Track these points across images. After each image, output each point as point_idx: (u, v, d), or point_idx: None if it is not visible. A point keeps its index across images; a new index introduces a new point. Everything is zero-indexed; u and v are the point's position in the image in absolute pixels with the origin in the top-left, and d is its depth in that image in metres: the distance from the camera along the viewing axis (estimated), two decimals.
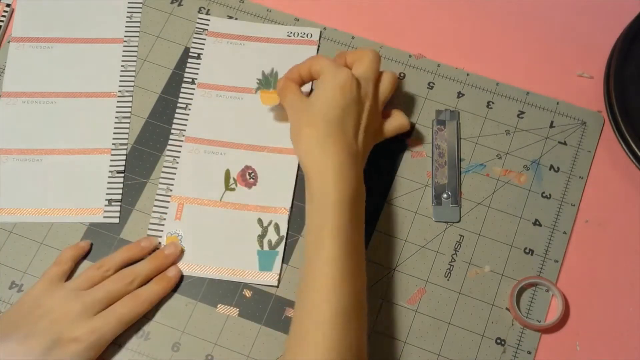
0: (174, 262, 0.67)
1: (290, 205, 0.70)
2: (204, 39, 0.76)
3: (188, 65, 0.75)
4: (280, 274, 0.67)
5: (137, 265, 0.66)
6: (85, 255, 0.68)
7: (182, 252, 0.68)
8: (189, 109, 0.74)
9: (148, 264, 0.66)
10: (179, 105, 0.74)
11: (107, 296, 0.63)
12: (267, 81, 0.73)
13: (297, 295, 0.61)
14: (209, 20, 0.77)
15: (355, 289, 0.59)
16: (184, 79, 0.75)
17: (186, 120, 0.73)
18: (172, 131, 0.73)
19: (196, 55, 0.76)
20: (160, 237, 0.69)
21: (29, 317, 0.61)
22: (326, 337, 0.56)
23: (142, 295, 0.65)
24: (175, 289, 0.67)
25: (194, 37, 0.76)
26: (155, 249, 0.68)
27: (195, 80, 0.75)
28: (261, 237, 0.68)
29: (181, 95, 0.74)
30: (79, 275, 0.65)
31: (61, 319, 0.61)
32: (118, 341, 0.65)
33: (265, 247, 0.68)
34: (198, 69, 0.75)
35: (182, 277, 0.67)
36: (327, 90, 0.64)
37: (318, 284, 0.58)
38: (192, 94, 0.74)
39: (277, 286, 0.67)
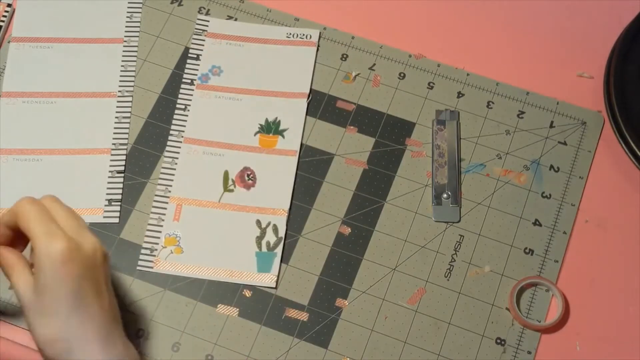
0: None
1: (288, 206, 0.70)
2: (203, 40, 0.76)
3: (187, 66, 0.75)
4: (278, 275, 0.67)
5: None
6: None
7: None
8: (188, 110, 0.74)
9: None
10: (177, 106, 0.74)
11: None
12: (268, 127, 0.73)
13: None
14: (208, 21, 0.77)
15: None
16: (183, 80, 0.75)
17: (185, 121, 0.73)
18: (171, 132, 0.73)
19: (195, 56, 0.76)
20: (159, 238, 0.68)
21: None
22: None
23: None
24: (174, 289, 0.67)
25: (193, 38, 0.76)
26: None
27: (194, 81, 0.75)
28: (259, 239, 0.68)
29: (180, 96, 0.74)
30: None
31: None
32: None
33: (264, 249, 0.68)
34: (197, 69, 0.75)
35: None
36: (48, 269, 0.53)
37: None
38: (191, 95, 0.74)
39: (276, 288, 0.67)
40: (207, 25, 0.77)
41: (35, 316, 0.54)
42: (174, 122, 0.73)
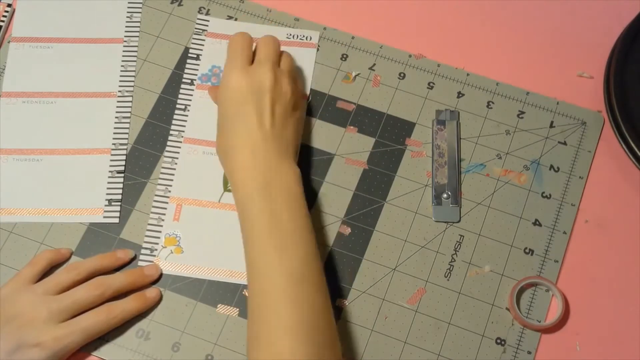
0: (151, 284, 0.66)
1: None
2: (203, 40, 0.76)
3: (187, 66, 0.75)
4: None
5: (111, 277, 0.65)
6: (63, 262, 0.67)
7: (161, 276, 0.67)
8: (188, 110, 0.74)
9: (124, 277, 0.65)
10: (177, 106, 0.74)
11: (75, 304, 0.62)
12: None
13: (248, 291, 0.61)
14: (208, 21, 0.77)
15: (300, 257, 0.59)
16: (183, 80, 0.75)
17: (185, 121, 0.73)
18: (171, 132, 0.73)
19: (195, 56, 0.76)
20: (159, 238, 0.68)
21: None
22: (282, 299, 0.57)
23: (115, 310, 0.63)
24: (174, 289, 0.67)
25: (193, 38, 0.76)
26: (131, 261, 0.67)
27: (194, 81, 0.75)
28: None
29: (180, 96, 0.74)
30: (49, 278, 0.64)
31: (27, 324, 0.60)
32: (118, 341, 0.65)
33: None
34: (197, 69, 0.75)
35: (170, 277, 0.67)
36: (221, 93, 0.68)
37: (257, 262, 0.60)
38: (191, 95, 0.74)
39: None
40: (207, 25, 0.77)
41: (218, 128, 0.68)
42: (174, 122, 0.73)
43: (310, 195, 0.70)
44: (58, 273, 0.65)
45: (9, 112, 0.73)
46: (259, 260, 0.60)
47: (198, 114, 0.73)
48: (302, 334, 0.56)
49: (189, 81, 0.75)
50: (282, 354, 0.55)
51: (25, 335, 0.60)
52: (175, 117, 0.73)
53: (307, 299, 0.58)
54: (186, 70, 0.75)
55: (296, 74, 0.73)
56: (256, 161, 0.63)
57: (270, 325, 0.57)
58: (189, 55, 0.76)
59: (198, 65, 0.75)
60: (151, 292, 0.66)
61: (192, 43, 0.76)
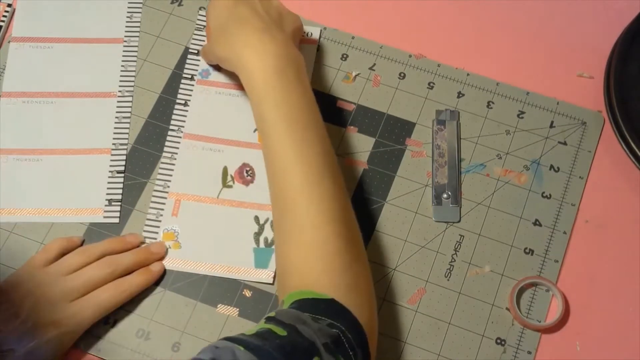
0: (159, 260, 0.68)
1: None
2: (204, 36, 0.76)
3: (188, 61, 0.75)
4: (276, 272, 0.67)
5: (120, 255, 0.66)
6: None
7: (166, 252, 0.68)
8: (188, 105, 0.74)
9: (132, 255, 0.66)
10: (177, 101, 0.74)
11: (87, 283, 0.64)
12: None
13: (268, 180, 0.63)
14: None
15: (318, 152, 0.61)
16: (183, 75, 0.75)
17: (185, 116, 0.73)
18: (171, 127, 0.73)
19: (196, 51, 0.76)
20: (157, 233, 0.69)
21: (9, 299, 0.62)
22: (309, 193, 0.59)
23: (123, 285, 0.65)
24: (174, 289, 0.67)
25: (194, 34, 0.76)
26: (140, 244, 0.68)
27: (194, 76, 0.75)
28: (257, 235, 0.69)
29: (180, 91, 0.74)
30: (61, 260, 0.66)
31: (41, 304, 0.62)
32: (118, 341, 0.65)
33: (262, 245, 0.68)
34: (198, 65, 0.75)
35: (164, 272, 0.67)
36: (210, 9, 0.70)
37: (278, 157, 0.61)
38: (191, 90, 0.74)
39: (273, 284, 0.67)
40: None
41: (213, 44, 0.69)
42: (173, 117, 0.73)
43: None
44: (69, 256, 0.66)
45: (9, 112, 0.73)
46: (278, 155, 0.61)
47: (198, 110, 0.73)
48: (329, 229, 0.58)
49: (189, 76, 0.75)
50: (311, 244, 0.57)
51: (40, 314, 0.61)
52: (175, 112, 0.73)
53: (329, 193, 0.60)
54: (186, 66, 0.75)
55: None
56: (265, 47, 0.63)
57: (296, 218, 0.59)
58: (190, 50, 0.76)
59: (199, 60, 0.75)
60: (156, 266, 0.67)
61: (193, 38, 0.76)
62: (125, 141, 0.72)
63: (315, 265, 0.57)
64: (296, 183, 0.60)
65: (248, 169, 0.71)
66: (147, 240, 0.68)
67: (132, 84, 0.75)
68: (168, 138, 0.72)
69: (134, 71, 0.75)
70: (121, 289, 0.64)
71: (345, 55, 0.76)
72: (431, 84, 0.75)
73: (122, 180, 0.71)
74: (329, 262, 0.57)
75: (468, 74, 0.75)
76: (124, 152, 0.72)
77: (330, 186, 0.60)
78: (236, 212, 0.69)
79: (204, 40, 0.76)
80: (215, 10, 0.69)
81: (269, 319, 0.53)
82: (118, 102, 0.74)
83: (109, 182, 0.70)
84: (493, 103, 0.74)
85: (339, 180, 0.62)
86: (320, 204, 0.59)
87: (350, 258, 0.58)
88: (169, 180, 0.70)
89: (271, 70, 0.63)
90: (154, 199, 0.70)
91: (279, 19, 0.68)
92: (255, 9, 0.67)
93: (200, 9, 0.78)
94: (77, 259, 0.65)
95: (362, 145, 0.72)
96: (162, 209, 0.69)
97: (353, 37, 0.77)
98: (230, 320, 0.66)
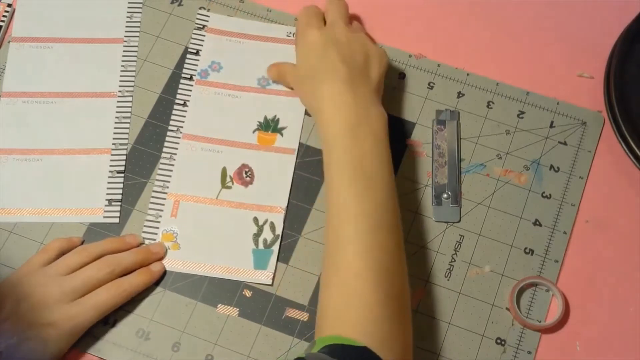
0: (159, 260, 0.68)
1: (286, 204, 0.70)
2: (203, 35, 0.76)
3: (187, 61, 0.75)
4: (274, 273, 0.67)
5: (119, 255, 0.66)
6: None
7: (166, 252, 0.68)
8: (187, 106, 0.73)
9: (131, 255, 0.66)
10: (176, 101, 0.74)
11: (86, 283, 0.64)
12: (267, 125, 0.73)
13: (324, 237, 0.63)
14: (208, 16, 0.77)
15: (378, 203, 0.61)
16: (183, 75, 0.75)
17: (184, 117, 0.73)
18: (170, 128, 0.73)
19: (195, 51, 0.76)
20: (156, 234, 0.69)
21: (7, 300, 0.61)
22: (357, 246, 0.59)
23: (122, 285, 0.65)
24: (174, 289, 0.67)
25: (193, 33, 0.76)
26: (139, 245, 0.68)
27: (193, 76, 0.75)
28: (256, 236, 0.69)
29: (179, 91, 0.74)
30: (59, 260, 0.65)
31: (39, 304, 0.61)
32: (118, 341, 0.65)
33: (261, 246, 0.68)
34: (197, 65, 0.75)
35: (165, 273, 0.67)
36: (300, 48, 0.71)
37: (336, 200, 0.62)
38: (190, 90, 0.74)
39: (271, 284, 0.67)
40: (207, 21, 0.77)
41: (299, 84, 0.72)
42: (172, 117, 0.73)
43: (310, 195, 0.70)
44: (68, 256, 0.66)
45: (9, 112, 0.73)
46: (338, 201, 0.61)
47: (197, 110, 0.73)
48: (373, 280, 0.57)
49: (189, 76, 0.75)
50: (352, 291, 0.57)
51: (39, 314, 0.61)
52: (174, 112, 0.73)
53: (381, 245, 0.59)
54: (185, 66, 0.75)
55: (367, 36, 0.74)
56: (345, 100, 0.65)
57: (341, 264, 0.59)
58: (189, 50, 0.76)
59: (198, 60, 0.75)
60: (156, 266, 0.67)
61: (192, 38, 0.76)
62: (126, 141, 0.72)
63: (353, 313, 0.57)
64: (348, 230, 0.59)
65: (247, 169, 0.71)
66: (146, 242, 0.68)
67: (132, 84, 0.75)
68: (167, 139, 0.72)
69: (134, 71, 0.75)
70: (121, 288, 0.64)
71: None
72: (431, 84, 0.75)
73: (122, 180, 0.71)
74: (367, 312, 0.56)
75: (468, 74, 0.75)
76: (124, 152, 0.72)
77: (383, 238, 0.60)
78: (235, 213, 0.69)
79: (203, 40, 0.76)
80: (305, 48, 0.70)
81: None
82: (118, 102, 0.74)
83: (109, 182, 0.70)
84: (493, 103, 0.74)
85: (396, 233, 0.61)
86: (367, 253, 0.58)
87: (390, 311, 0.57)
88: (168, 181, 0.70)
89: (345, 124, 0.63)
90: (152, 199, 0.70)
91: (365, 63, 0.68)
92: (343, 55, 0.67)
93: (200, 8, 0.78)
94: (76, 258, 0.65)
95: None
96: (161, 210, 0.69)
97: None
98: (230, 320, 0.66)
